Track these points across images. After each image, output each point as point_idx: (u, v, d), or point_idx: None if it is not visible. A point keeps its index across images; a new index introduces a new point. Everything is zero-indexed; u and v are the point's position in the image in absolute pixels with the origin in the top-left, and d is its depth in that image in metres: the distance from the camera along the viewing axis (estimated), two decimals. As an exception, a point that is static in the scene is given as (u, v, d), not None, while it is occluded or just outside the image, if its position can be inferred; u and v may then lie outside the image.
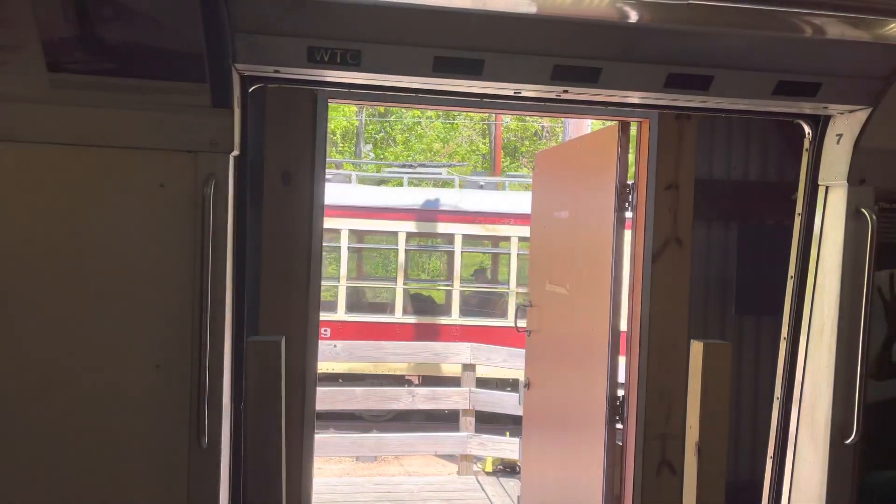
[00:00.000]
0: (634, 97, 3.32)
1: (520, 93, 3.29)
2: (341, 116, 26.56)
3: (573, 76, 3.08)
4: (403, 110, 26.77)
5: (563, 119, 15.98)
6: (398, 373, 13.25)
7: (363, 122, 27.37)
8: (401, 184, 15.59)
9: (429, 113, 26.92)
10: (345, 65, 2.92)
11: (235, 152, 3.06)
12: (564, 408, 5.69)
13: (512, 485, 8.10)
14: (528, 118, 26.31)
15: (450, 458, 10.51)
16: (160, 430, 2.97)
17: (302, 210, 4.36)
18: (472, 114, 26.73)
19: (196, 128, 2.91)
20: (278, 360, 3.41)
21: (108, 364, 2.96)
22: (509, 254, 13.94)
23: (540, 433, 6.18)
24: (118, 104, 2.85)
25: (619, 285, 4.90)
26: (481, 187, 15.06)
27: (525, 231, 13.67)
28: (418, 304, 14.70)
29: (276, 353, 3.40)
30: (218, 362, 3.01)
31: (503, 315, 13.73)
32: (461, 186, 15.52)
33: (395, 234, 13.54)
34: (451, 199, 14.25)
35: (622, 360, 4.95)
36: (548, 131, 26.29)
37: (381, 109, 26.71)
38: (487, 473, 11.35)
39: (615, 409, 4.92)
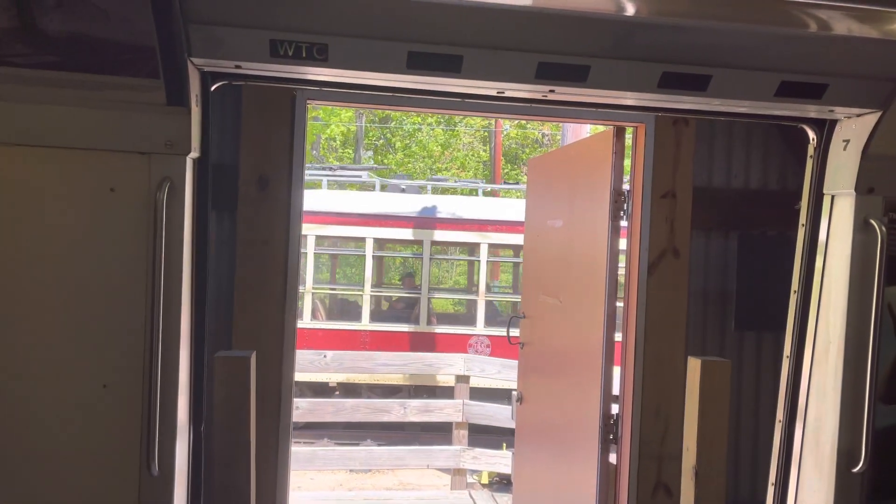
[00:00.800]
0: (626, 98, 3.09)
1: (503, 92, 3.06)
2: (339, 122, 26.41)
3: (559, 74, 2.86)
4: (404, 117, 26.62)
5: (561, 125, 15.79)
6: (329, 381, 13.16)
7: (362, 128, 27.21)
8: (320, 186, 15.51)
9: (429, 119, 26.76)
10: (311, 60, 2.70)
11: (194, 154, 2.83)
12: (557, 424, 5.48)
13: (506, 500, 7.88)
14: (528, 125, 26.12)
15: (446, 468, 10.31)
16: (107, 456, 2.74)
17: (279, 217, 4.16)
18: (472, 121, 26.58)
19: (150, 127, 2.69)
20: (247, 376, 3.19)
21: (51, 383, 2.73)
22: (422, 258, 13.85)
23: (532, 449, 5.98)
24: (64, 101, 2.63)
25: (613, 298, 4.70)
26: (402, 191, 15.01)
27: (443, 235, 13.74)
28: (336, 308, 14.68)
29: (245, 370, 3.18)
30: (172, 381, 2.78)
31: (416, 321, 13.67)
32: (383, 189, 15.49)
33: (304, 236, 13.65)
34: (364, 202, 14.14)
35: (617, 376, 4.75)
36: (549, 139, 26.11)
37: (381, 114, 26.55)
38: (484, 485, 11.15)
39: (609, 428, 4.70)
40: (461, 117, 25.67)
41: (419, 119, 26.62)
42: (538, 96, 3.08)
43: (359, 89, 3.17)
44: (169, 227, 2.69)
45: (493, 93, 3.07)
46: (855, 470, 3.19)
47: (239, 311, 4.14)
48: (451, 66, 2.78)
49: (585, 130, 12.14)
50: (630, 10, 2.73)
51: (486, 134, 27.31)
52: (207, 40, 2.62)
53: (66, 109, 2.64)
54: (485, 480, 11.19)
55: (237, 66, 2.79)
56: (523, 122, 24.73)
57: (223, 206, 4.20)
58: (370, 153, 27.81)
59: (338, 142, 27.47)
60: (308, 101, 4.17)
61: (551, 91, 2.97)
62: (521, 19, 2.72)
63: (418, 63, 2.76)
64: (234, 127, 4.19)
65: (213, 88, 2.95)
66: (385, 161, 26.65)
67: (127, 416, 2.73)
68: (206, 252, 3.00)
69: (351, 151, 27.78)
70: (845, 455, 3.22)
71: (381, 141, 27.98)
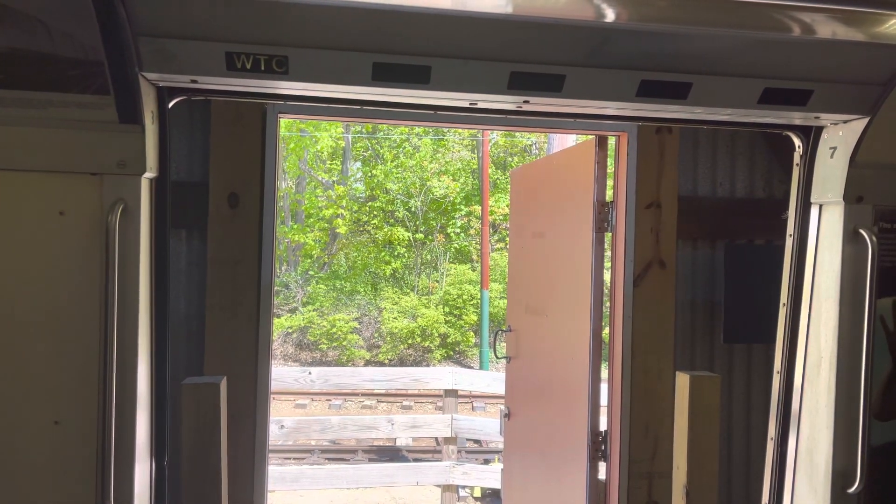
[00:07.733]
0: (604, 108, 2.96)
1: (475, 104, 2.93)
2: (329, 137, 26.22)
3: (533, 84, 2.72)
4: (390, 129, 26.45)
5: (547, 133, 15.70)
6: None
7: (349, 139, 27.04)
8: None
9: (417, 130, 26.62)
10: (270, 73, 2.56)
11: (150, 174, 2.68)
12: (545, 440, 5.34)
13: (496, 517, 7.73)
14: (516, 133, 26.02)
15: (437, 484, 10.14)
16: (60, 497, 2.57)
17: (250, 235, 4.02)
18: (459, 130, 26.47)
19: (101, 146, 2.54)
20: (216, 403, 3.04)
21: None
22: None
23: (521, 466, 5.84)
24: (8, 120, 2.48)
25: (599, 311, 4.57)
26: None
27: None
28: None
29: (215, 396, 3.03)
30: (129, 415, 2.62)
31: None
32: None
33: None
34: None
35: (605, 390, 4.63)
36: (536, 146, 26.04)
37: (368, 126, 26.39)
38: (476, 499, 10.98)
39: (597, 445, 4.57)
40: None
41: (406, 130, 26.47)
42: (512, 107, 2.95)
43: (328, 102, 3.03)
44: (123, 250, 2.54)
45: (466, 104, 2.94)
46: (850, 490, 3.06)
47: (211, 334, 4.00)
48: (418, 78, 2.64)
49: (571, 139, 12.03)
50: (606, 16, 2.60)
51: (474, 143, 27.20)
52: (159, 54, 2.47)
53: (11, 129, 2.48)
54: (477, 494, 11.02)
55: (193, 81, 2.64)
56: (510, 131, 24.62)
57: (193, 225, 4.06)
58: (358, 164, 27.62)
59: (325, 153, 27.26)
60: (279, 115, 4.04)
61: (525, 102, 2.84)
62: (491, 28, 2.59)
63: (384, 74, 2.62)
64: (203, 143, 4.05)
65: (171, 104, 2.80)
66: (374, 172, 26.47)
67: (80, 452, 2.57)
68: (166, 275, 2.85)
69: (338, 163, 27.61)
70: (840, 475, 3.09)
71: (368, 152, 27.82)
